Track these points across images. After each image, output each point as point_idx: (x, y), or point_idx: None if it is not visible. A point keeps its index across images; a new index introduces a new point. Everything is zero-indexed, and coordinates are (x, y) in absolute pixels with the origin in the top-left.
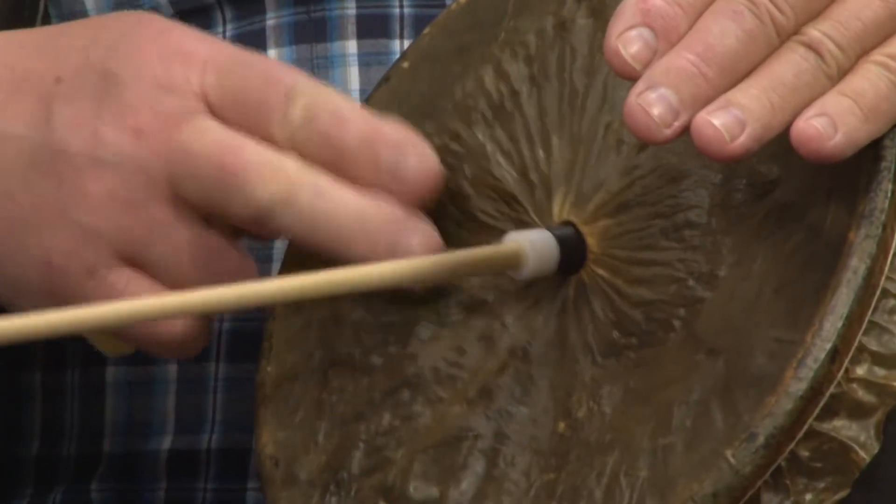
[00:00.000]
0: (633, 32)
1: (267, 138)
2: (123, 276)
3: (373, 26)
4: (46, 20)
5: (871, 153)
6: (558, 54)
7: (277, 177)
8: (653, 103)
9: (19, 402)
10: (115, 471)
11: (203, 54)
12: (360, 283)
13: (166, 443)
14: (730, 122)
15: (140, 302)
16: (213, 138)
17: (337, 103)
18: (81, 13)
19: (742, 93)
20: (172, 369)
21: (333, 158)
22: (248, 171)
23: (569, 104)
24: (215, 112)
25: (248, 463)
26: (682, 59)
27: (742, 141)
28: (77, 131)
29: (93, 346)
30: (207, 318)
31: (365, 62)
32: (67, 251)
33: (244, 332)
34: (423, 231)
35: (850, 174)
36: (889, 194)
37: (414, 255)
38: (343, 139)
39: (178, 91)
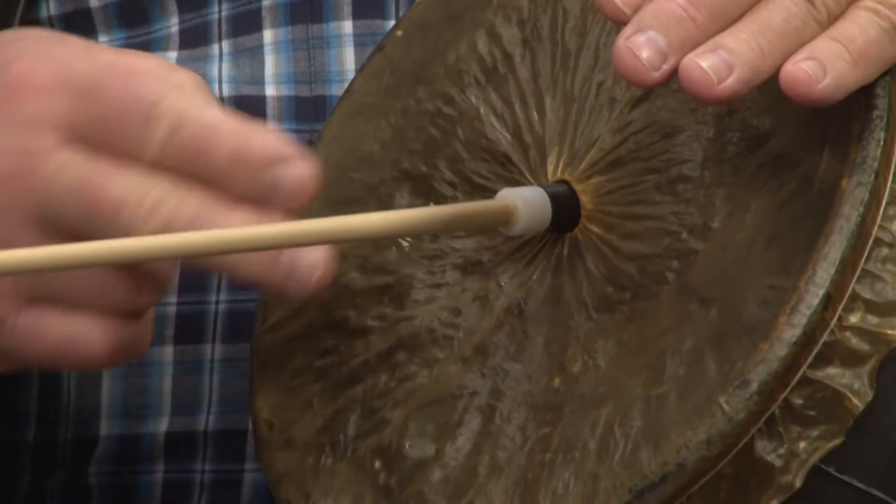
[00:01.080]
0: None
1: (136, 159)
2: (33, 315)
3: (368, 6)
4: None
5: (863, 101)
6: (551, 16)
7: (150, 210)
8: (641, 46)
9: (16, 387)
10: (112, 454)
11: (51, 82)
12: (348, 233)
13: (163, 425)
14: (718, 64)
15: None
16: (75, 174)
17: (203, 119)
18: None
19: (731, 36)
20: (168, 351)
21: (207, 177)
22: (118, 205)
23: (561, 65)
24: (78, 139)
25: (246, 444)
26: (671, 2)
27: (730, 83)
28: None
29: None
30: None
31: (360, 42)
32: None
33: (240, 312)
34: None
35: (842, 123)
36: (881, 142)
37: (307, 276)
38: (213, 158)
39: (31, 127)
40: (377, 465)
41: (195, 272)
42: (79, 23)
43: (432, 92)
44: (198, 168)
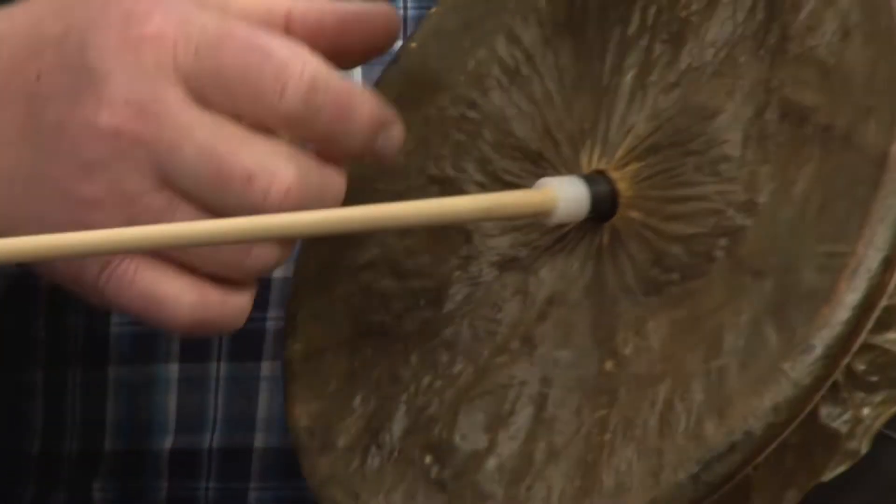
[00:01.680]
0: None
1: (257, 121)
2: (132, 265)
3: None
4: None
5: None
6: (570, 13)
7: (278, 188)
8: None
9: (21, 401)
10: (116, 470)
11: (173, 34)
12: (392, 220)
13: (168, 442)
14: None
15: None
16: (201, 138)
17: (334, 85)
18: None
19: None
20: (174, 368)
21: (328, 141)
22: (250, 181)
23: (586, 59)
24: (197, 95)
25: (250, 462)
26: None
27: None
28: (61, 136)
29: (96, 342)
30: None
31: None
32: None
33: (245, 330)
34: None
35: (888, 91)
36: None
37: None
38: (350, 124)
39: (155, 77)
40: (427, 460)
41: None
42: None
43: (454, 98)
44: (326, 133)
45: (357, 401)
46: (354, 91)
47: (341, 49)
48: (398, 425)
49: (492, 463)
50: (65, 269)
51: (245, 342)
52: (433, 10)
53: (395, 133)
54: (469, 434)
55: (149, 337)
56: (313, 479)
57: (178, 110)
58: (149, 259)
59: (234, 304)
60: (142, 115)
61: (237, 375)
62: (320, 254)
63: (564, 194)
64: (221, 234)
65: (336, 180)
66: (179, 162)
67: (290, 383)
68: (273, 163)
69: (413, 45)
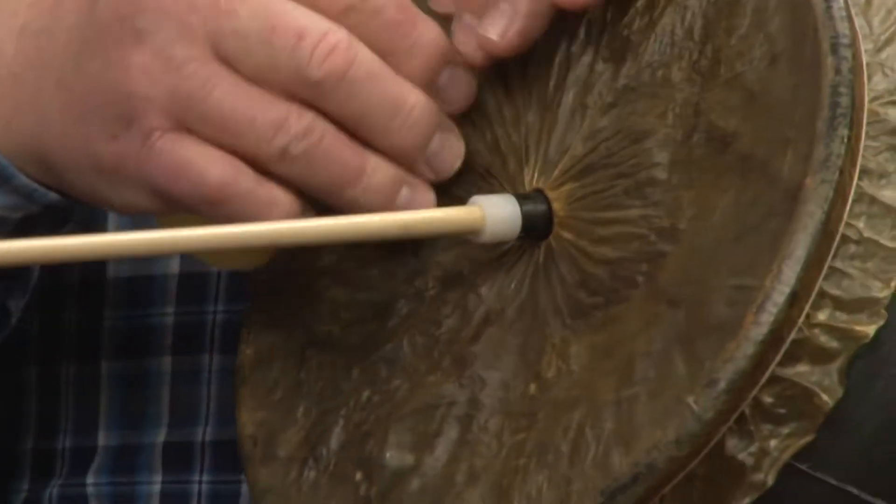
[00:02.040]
0: None
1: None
2: (173, 138)
3: None
4: None
5: (826, 100)
6: None
7: (333, 52)
8: None
9: (15, 396)
10: (110, 464)
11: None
12: (316, 236)
13: (161, 435)
14: None
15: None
16: (255, 1)
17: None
18: None
19: None
20: (167, 361)
21: (387, 46)
22: (301, 38)
23: (535, 75)
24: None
25: None
26: None
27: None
28: (117, 5)
29: (89, 337)
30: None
31: None
32: (122, 122)
33: (238, 323)
34: (454, 134)
35: (806, 122)
36: (844, 139)
37: (444, 157)
38: (404, 37)
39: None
40: (358, 476)
41: (192, 282)
42: None
43: None
44: (386, 40)
45: (300, 412)
46: (416, 8)
47: None
48: (336, 439)
49: (416, 483)
50: (106, 148)
51: (238, 334)
52: None
53: (462, 76)
54: (397, 452)
55: (141, 331)
56: (254, 489)
57: None
58: (190, 134)
59: (262, 192)
60: None
61: (230, 368)
62: (280, 257)
63: (494, 213)
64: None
65: (395, 81)
66: (234, 22)
67: (239, 388)
68: (324, 24)
69: None
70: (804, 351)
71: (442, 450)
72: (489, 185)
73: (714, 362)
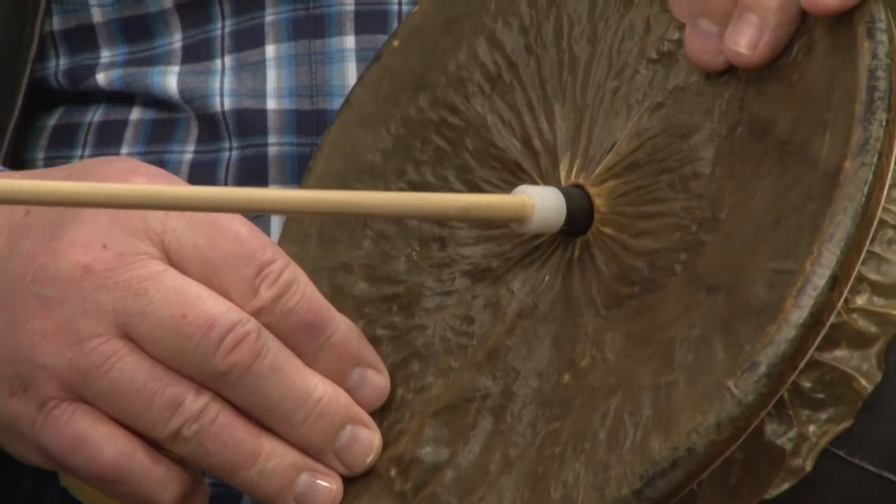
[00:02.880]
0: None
1: (232, 298)
2: (69, 409)
3: (371, 22)
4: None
5: (864, 84)
6: (555, 23)
7: (240, 344)
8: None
9: None
10: None
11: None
12: (371, 208)
13: None
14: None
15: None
16: (172, 284)
17: (314, 301)
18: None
19: None
20: None
21: (296, 346)
22: (210, 328)
23: (570, 72)
24: (173, 261)
25: None
26: None
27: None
28: (29, 266)
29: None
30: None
31: (363, 57)
32: (19, 383)
33: None
34: (367, 429)
35: (844, 107)
36: (883, 123)
37: (354, 452)
38: (313, 339)
39: (134, 231)
40: (392, 472)
41: None
42: (82, 38)
43: (434, 100)
44: (291, 337)
45: None
46: (329, 310)
47: None
48: None
49: (449, 475)
50: (3, 402)
51: None
52: (416, 8)
53: (371, 379)
54: (432, 448)
55: None
56: None
57: (150, 261)
58: (86, 406)
59: (157, 471)
60: (114, 259)
61: None
62: (294, 255)
63: (542, 203)
64: (192, 201)
65: (300, 375)
66: (144, 304)
67: None
68: (235, 315)
69: (395, 43)
70: (843, 335)
71: (476, 441)
72: (520, 180)
73: (754, 346)
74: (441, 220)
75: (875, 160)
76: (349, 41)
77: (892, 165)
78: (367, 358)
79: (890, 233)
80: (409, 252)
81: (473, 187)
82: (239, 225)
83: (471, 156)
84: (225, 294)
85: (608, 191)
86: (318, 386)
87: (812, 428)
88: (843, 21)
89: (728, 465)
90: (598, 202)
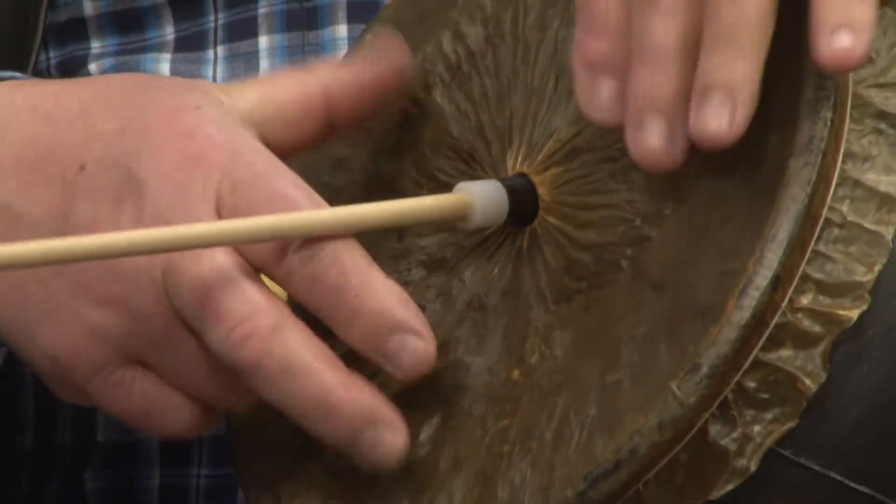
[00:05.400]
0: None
1: (262, 266)
2: (128, 373)
3: (363, 11)
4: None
5: (811, 82)
6: (512, 13)
7: (249, 341)
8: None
9: (13, 394)
10: (108, 459)
11: (221, 164)
12: (299, 229)
13: None
14: (721, 109)
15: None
16: (206, 269)
17: (343, 263)
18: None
19: (715, 69)
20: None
21: (326, 315)
22: (223, 320)
23: (522, 60)
24: (220, 212)
25: None
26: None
27: (739, 119)
28: (92, 233)
29: None
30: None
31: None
32: (74, 349)
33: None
34: (391, 431)
35: (790, 105)
36: (828, 122)
37: (377, 455)
38: (341, 304)
39: (193, 201)
40: (343, 464)
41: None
42: (72, 31)
43: (400, 92)
44: (320, 305)
45: None
46: (364, 273)
47: (383, 98)
48: None
49: (401, 471)
50: (50, 369)
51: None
52: (389, 1)
53: (412, 346)
54: None
55: None
56: (243, 479)
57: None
58: (141, 369)
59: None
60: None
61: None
62: None
63: (482, 199)
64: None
65: (312, 375)
66: (176, 285)
67: None
68: (250, 308)
69: (368, 36)
70: (787, 335)
71: (426, 436)
72: (472, 169)
73: (697, 347)
74: (378, 229)
75: (819, 159)
76: (342, 30)
77: (838, 164)
78: (407, 323)
79: (836, 231)
80: (368, 243)
81: (429, 177)
82: (278, 184)
83: (427, 145)
84: (255, 258)
85: (550, 179)
86: (340, 388)
87: (757, 428)
88: (790, 19)
89: (673, 466)
90: (542, 190)
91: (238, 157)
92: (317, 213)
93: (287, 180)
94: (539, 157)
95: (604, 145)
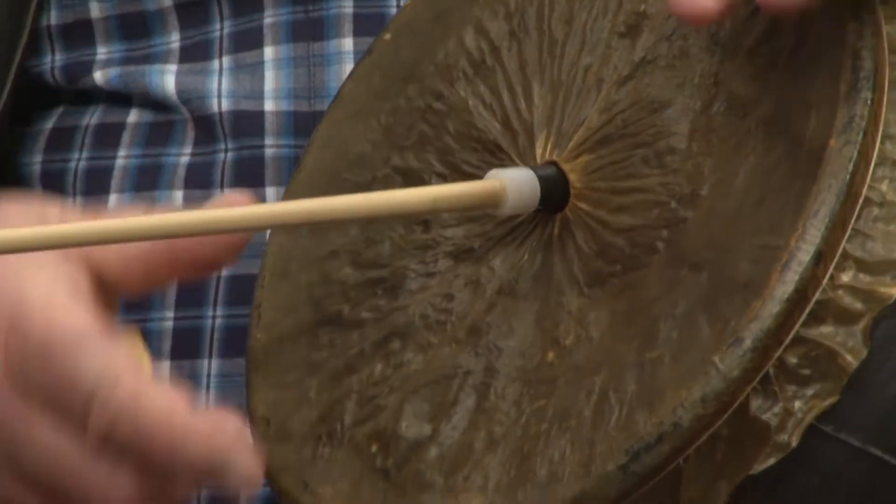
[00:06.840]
0: None
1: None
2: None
3: (369, 24)
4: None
5: (849, 63)
6: (537, 7)
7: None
8: None
9: None
10: None
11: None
12: (339, 213)
13: None
14: None
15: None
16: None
17: (140, 416)
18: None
19: None
20: (164, 365)
21: (141, 463)
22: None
23: (549, 53)
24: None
25: None
26: None
27: None
28: None
29: None
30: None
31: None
32: None
33: (236, 327)
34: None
35: (829, 85)
36: (868, 102)
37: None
38: (149, 453)
39: None
40: (374, 448)
41: (192, 287)
42: (78, 34)
43: (422, 89)
44: (132, 456)
45: (313, 391)
46: (159, 417)
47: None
48: (350, 415)
49: (434, 452)
50: None
51: (235, 339)
52: (407, 2)
53: (237, 467)
54: (413, 423)
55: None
56: (268, 468)
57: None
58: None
59: None
60: None
61: (228, 372)
62: (285, 246)
63: (514, 186)
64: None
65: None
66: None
67: (251, 373)
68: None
69: (386, 36)
70: (828, 312)
71: (459, 418)
72: (499, 160)
73: (739, 321)
74: (412, 215)
75: (860, 138)
76: (347, 43)
77: (877, 144)
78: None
79: (875, 210)
80: (394, 236)
81: (454, 169)
82: (69, 355)
83: (452, 139)
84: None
85: (581, 166)
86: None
87: (798, 404)
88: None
89: (713, 441)
90: (573, 177)
91: (22, 322)
92: (349, 197)
93: (84, 352)
94: (569, 146)
95: (635, 131)
